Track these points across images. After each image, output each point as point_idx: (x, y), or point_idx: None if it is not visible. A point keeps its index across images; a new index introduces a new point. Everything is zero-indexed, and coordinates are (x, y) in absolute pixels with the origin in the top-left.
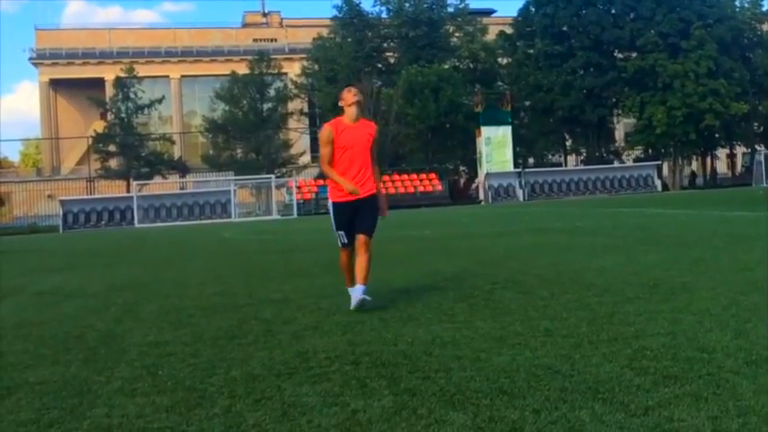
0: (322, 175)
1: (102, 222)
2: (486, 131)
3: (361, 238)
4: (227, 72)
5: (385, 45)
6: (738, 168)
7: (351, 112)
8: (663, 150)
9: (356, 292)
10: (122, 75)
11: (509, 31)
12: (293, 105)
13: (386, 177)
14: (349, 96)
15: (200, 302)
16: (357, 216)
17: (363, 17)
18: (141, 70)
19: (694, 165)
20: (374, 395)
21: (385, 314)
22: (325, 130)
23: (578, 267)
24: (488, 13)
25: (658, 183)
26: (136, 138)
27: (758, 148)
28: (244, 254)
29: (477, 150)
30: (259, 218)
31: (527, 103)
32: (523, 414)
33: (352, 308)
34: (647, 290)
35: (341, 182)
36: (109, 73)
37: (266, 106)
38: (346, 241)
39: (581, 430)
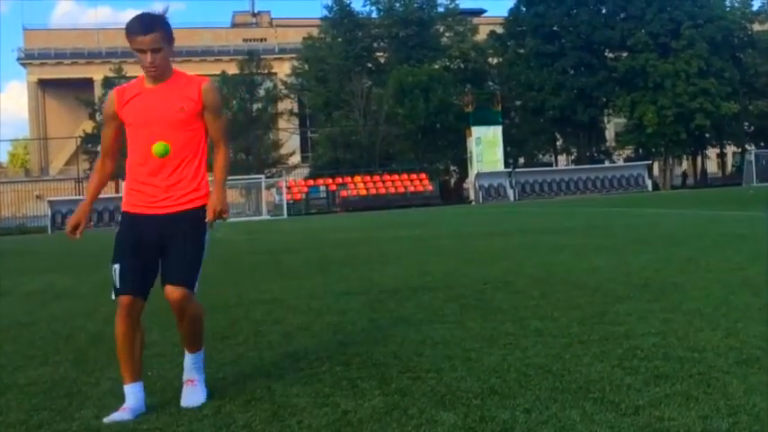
0: (313, 176)
1: (91, 223)
2: (476, 131)
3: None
4: (217, 72)
5: (375, 45)
6: (729, 168)
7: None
8: (653, 150)
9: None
10: (111, 75)
11: (500, 30)
12: (283, 105)
13: (376, 177)
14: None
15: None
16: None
17: (353, 17)
18: (130, 70)
19: (685, 164)
20: (365, 395)
21: (375, 314)
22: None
23: (569, 267)
24: (479, 12)
25: (649, 182)
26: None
27: (748, 147)
28: (234, 254)
29: (468, 150)
30: (249, 218)
31: (518, 103)
32: (514, 414)
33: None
34: (638, 289)
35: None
36: (98, 73)
37: (256, 106)
38: (119, 286)
39: (572, 430)
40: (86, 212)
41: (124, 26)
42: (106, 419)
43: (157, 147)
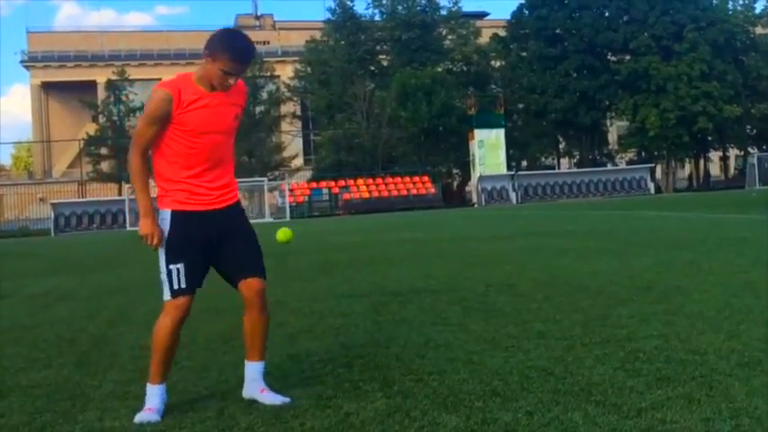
0: (315, 178)
1: (94, 225)
2: (479, 134)
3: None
4: None
5: (378, 48)
6: (731, 171)
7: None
8: (656, 153)
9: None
10: (114, 77)
11: (502, 33)
12: (286, 108)
13: (379, 180)
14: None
15: (193, 305)
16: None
17: (356, 20)
18: (133, 73)
19: (688, 167)
20: (367, 398)
21: (378, 317)
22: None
23: (571, 270)
24: (481, 15)
25: (651, 185)
26: (128, 141)
27: (751, 150)
28: None
29: (470, 153)
30: (251, 221)
31: (520, 106)
32: (516, 416)
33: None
34: (640, 292)
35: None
36: (101, 76)
37: (259, 109)
38: (184, 286)
39: None
40: (156, 219)
41: (217, 39)
42: (136, 419)
43: (286, 236)
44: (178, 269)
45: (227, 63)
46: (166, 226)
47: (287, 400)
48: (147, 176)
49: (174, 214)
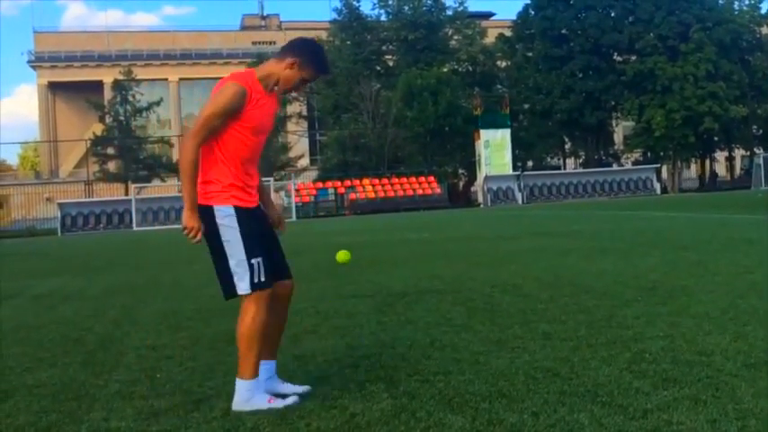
0: (321, 178)
1: (101, 225)
2: (484, 134)
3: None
4: (226, 75)
5: (384, 48)
6: (737, 171)
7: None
8: (662, 153)
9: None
10: (121, 77)
11: (508, 33)
12: (292, 108)
13: (385, 180)
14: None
15: (199, 306)
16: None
17: (362, 20)
18: (140, 73)
19: (694, 168)
20: (373, 398)
21: (383, 318)
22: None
23: (577, 271)
24: (487, 15)
25: (657, 186)
26: (134, 141)
27: (757, 151)
28: None
29: (476, 153)
30: None
31: (526, 106)
32: (522, 417)
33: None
34: (646, 293)
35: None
36: (107, 76)
37: None
38: (265, 279)
39: None
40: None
41: (307, 50)
42: (280, 405)
43: (345, 257)
44: (259, 262)
45: (313, 74)
46: (231, 222)
47: (306, 388)
48: (197, 169)
49: (239, 210)
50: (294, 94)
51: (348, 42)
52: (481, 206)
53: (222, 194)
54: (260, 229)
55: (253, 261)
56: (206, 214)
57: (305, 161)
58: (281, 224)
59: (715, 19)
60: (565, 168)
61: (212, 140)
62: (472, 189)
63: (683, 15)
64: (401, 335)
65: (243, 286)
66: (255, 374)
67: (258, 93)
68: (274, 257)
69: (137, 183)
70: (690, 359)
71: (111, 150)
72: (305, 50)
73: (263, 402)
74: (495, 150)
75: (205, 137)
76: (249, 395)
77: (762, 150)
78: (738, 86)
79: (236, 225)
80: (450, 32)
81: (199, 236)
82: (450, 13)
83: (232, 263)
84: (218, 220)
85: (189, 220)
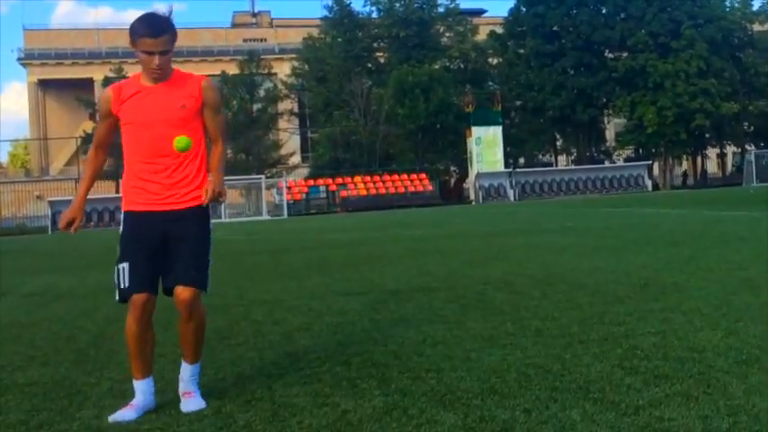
0: (313, 176)
1: (92, 223)
2: (476, 131)
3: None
4: (217, 72)
5: (375, 45)
6: (729, 168)
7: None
8: (653, 150)
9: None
10: (111, 75)
11: (500, 30)
12: (283, 106)
13: (376, 177)
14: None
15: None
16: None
17: (354, 17)
18: (130, 70)
19: (684, 164)
20: (365, 395)
21: (375, 315)
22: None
23: (569, 267)
24: (479, 12)
25: (649, 183)
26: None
27: (748, 147)
28: (234, 254)
29: (468, 150)
30: (249, 218)
31: (518, 103)
32: (514, 414)
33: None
34: (638, 290)
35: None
36: (98, 73)
37: (256, 106)
38: (130, 285)
39: (572, 430)
40: (82, 207)
41: (129, 27)
42: (110, 418)
43: (179, 141)
44: (123, 268)
45: (140, 41)
46: (121, 227)
47: (197, 407)
48: (91, 169)
49: (126, 215)
50: (285, 91)
51: (339, 39)
52: (473, 203)
53: (123, 200)
54: (149, 232)
55: (119, 266)
56: None
57: (296, 158)
58: (207, 195)
59: (706, 16)
60: (556, 165)
61: (122, 145)
62: (464, 186)
63: (674, 12)
64: (393, 332)
65: (115, 294)
66: (138, 376)
67: (134, 88)
68: (174, 263)
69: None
70: (682, 355)
71: None
72: (130, 30)
73: (121, 409)
74: (486, 147)
75: (96, 141)
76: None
77: (753, 147)
78: (730, 83)
79: (121, 229)
80: (441, 29)
81: (62, 224)
82: (441, 10)
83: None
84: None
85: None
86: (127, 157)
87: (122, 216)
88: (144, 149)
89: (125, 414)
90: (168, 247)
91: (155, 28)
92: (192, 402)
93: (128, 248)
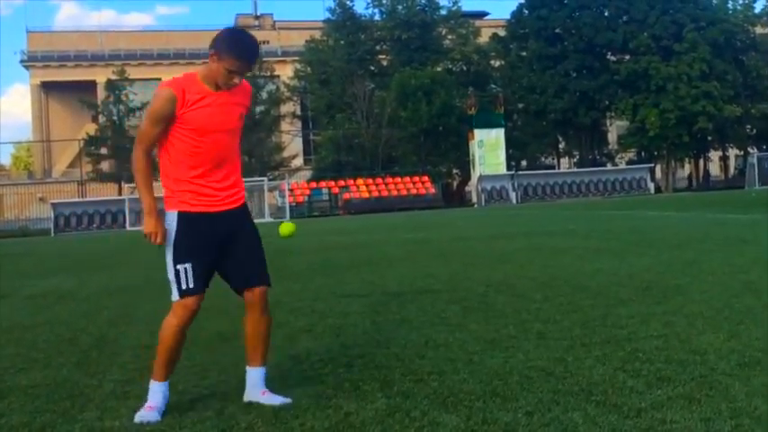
0: (315, 178)
1: (94, 225)
2: (478, 134)
3: (258, 291)
4: None
5: (378, 47)
6: (731, 171)
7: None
8: (656, 153)
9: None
10: (114, 77)
11: (502, 33)
12: (286, 108)
13: (379, 180)
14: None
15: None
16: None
17: (356, 20)
18: (133, 73)
19: (687, 167)
20: (367, 398)
21: (378, 317)
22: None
23: (571, 270)
24: (481, 15)
25: (651, 185)
26: (128, 140)
27: (751, 150)
28: None
29: (470, 153)
30: None
31: (520, 106)
32: (516, 416)
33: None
34: (640, 292)
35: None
36: (100, 75)
37: (258, 109)
38: (193, 286)
39: None
40: (159, 216)
41: (222, 39)
42: (137, 419)
43: (288, 228)
44: (186, 269)
45: (233, 62)
46: (173, 226)
47: (287, 400)
48: (150, 175)
49: (181, 215)
50: (288, 93)
51: (342, 42)
52: (475, 206)
53: (171, 200)
54: (208, 234)
55: (179, 267)
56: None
57: (299, 161)
58: None
59: (709, 18)
60: (559, 168)
61: (163, 146)
62: (466, 189)
63: (676, 15)
64: (396, 334)
65: (173, 293)
66: (161, 378)
67: (198, 93)
68: (243, 264)
69: (130, 183)
70: (684, 358)
71: (104, 150)
72: (219, 41)
73: (142, 410)
74: (489, 150)
75: (148, 145)
76: (149, 397)
77: (756, 150)
78: (732, 86)
79: (174, 229)
80: (443, 32)
81: (159, 239)
82: (443, 12)
83: (167, 268)
84: (166, 226)
85: (146, 225)
86: (175, 159)
87: (172, 216)
88: (202, 156)
89: (150, 415)
90: (227, 247)
91: (252, 57)
92: (276, 397)
93: (188, 248)
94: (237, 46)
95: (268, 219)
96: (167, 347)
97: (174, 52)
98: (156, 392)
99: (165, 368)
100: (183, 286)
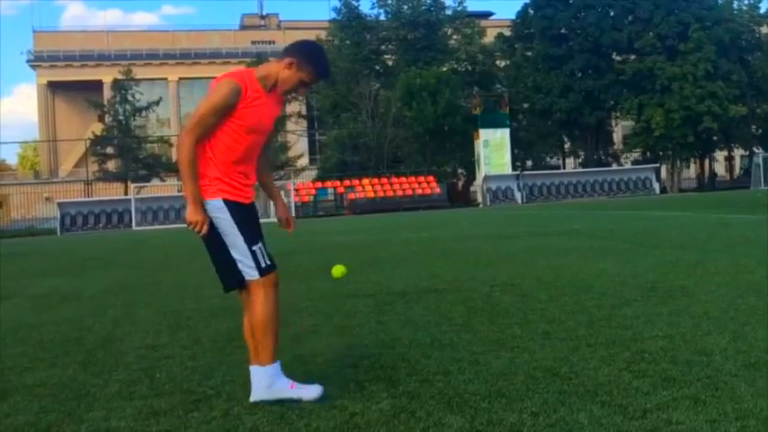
0: (321, 178)
1: (100, 225)
2: (484, 134)
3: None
4: None
5: (383, 47)
6: (737, 171)
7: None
8: (661, 153)
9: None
10: (120, 77)
11: (507, 33)
12: (291, 108)
13: (384, 180)
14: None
15: (199, 305)
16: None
17: (362, 19)
18: (139, 72)
19: (693, 167)
20: (372, 398)
21: (383, 317)
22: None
23: (576, 270)
24: (486, 15)
25: (657, 185)
26: (134, 140)
27: (756, 150)
28: None
29: (476, 153)
30: None
31: (525, 106)
32: (522, 417)
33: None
34: (646, 293)
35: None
36: (107, 75)
37: None
38: (270, 262)
39: None
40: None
41: (309, 54)
42: (306, 398)
43: (338, 271)
44: (260, 248)
45: (311, 76)
46: (223, 214)
47: (319, 389)
48: (196, 164)
49: (228, 202)
50: (293, 94)
51: (347, 42)
52: (480, 206)
53: (210, 188)
54: (253, 220)
55: (254, 248)
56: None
57: (304, 161)
58: (289, 224)
59: (714, 18)
60: (564, 168)
61: (209, 137)
62: (471, 189)
63: (682, 15)
64: (401, 334)
65: (252, 273)
66: (274, 359)
67: (255, 92)
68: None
69: (136, 182)
70: (689, 359)
71: (110, 150)
72: (303, 51)
73: (284, 388)
74: (494, 150)
75: (200, 134)
76: (270, 381)
77: (761, 150)
78: (738, 86)
79: (228, 216)
80: (449, 32)
81: (204, 229)
82: (449, 12)
83: (235, 253)
84: (212, 214)
85: (191, 214)
86: (219, 153)
87: (216, 204)
88: (241, 152)
89: (312, 390)
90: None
91: (327, 76)
92: (308, 388)
93: (252, 231)
94: (320, 62)
95: (273, 218)
96: (276, 325)
97: (180, 52)
98: (280, 373)
99: (275, 346)
100: (263, 264)
